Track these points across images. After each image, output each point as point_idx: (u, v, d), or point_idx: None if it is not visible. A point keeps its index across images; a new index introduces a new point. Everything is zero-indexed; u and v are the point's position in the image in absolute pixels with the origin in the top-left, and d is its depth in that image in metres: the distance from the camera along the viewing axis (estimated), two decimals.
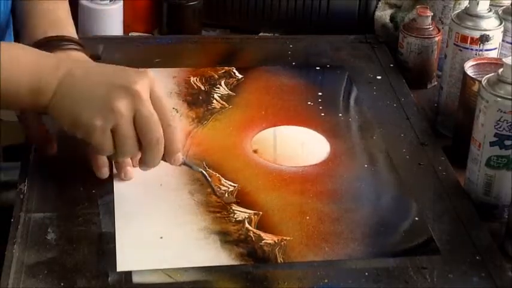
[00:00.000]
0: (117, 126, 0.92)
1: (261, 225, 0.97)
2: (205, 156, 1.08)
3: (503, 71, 0.99)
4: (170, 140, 0.95)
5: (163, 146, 0.94)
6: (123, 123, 0.92)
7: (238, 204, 0.99)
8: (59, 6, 1.13)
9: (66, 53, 1.06)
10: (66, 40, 1.08)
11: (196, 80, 1.25)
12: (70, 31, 1.11)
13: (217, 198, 1.00)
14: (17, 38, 1.16)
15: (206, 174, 1.01)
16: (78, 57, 1.06)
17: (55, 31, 1.08)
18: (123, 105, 0.91)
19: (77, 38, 1.10)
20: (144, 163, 0.96)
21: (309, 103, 1.21)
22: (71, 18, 1.14)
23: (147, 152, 0.94)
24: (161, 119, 0.93)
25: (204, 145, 1.10)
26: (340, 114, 1.20)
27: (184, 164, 0.98)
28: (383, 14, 1.43)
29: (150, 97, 0.93)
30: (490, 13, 1.16)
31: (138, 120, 0.92)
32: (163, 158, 0.96)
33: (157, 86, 0.94)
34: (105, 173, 1.02)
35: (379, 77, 1.29)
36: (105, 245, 0.93)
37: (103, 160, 1.01)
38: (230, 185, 1.03)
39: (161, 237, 0.94)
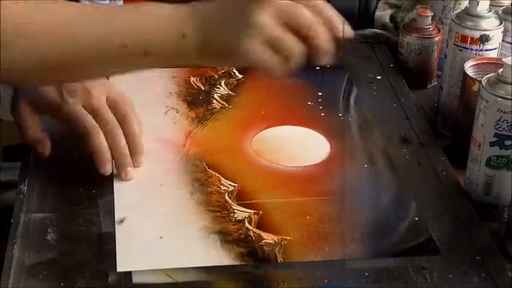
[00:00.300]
0: (273, 37, 0.84)
1: (261, 225, 0.97)
2: (205, 156, 1.08)
3: (503, 71, 0.99)
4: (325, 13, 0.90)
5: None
6: (278, 31, 0.84)
7: None
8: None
9: None
10: None
11: (196, 80, 1.25)
12: None
13: (218, 198, 1.00)
14: None
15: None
16: None
17: None
18: (266, 16, 0.84)
19: None
20: (314, 50, 0.87)
21: (309, 103, 1.21)
22: None
23: (313, 37, 0.87)
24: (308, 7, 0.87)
25: (204, 145, 1.11)
26: (340, 114, 1.20)
27: None
28: (383, 14, 1.43)
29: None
30: (490, 13, 1.16)
31: (285, 16, 0.85)
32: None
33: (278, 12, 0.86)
34: (108, 169, 1.02)
35: (379, 77, 1.29)
36: (105, 245, 0.93)
37: (106, 157, 1.01)
38: (230, 185, 1.03)
39: (161, 237, 0.94)
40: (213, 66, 0.86)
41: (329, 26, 0.88)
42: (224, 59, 0.87)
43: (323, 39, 0.87)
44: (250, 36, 0.84)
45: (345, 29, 0.88)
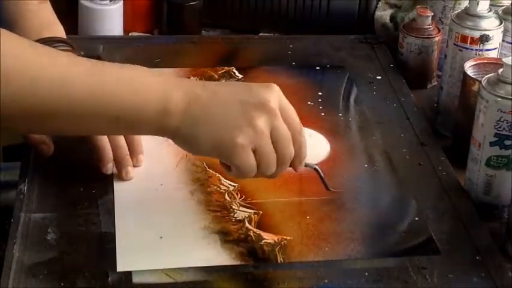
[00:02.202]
0: (260, 144, 0.88)
1: (261, 225, 0.97)
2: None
3: (503, 71, 0.99)
4: (299, 148, 0.92)
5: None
6: (266, 141, 0.88)
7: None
8: (46, 7, 1.14)
9: None
10: (60, 41, 1.09)
11: (196, 80, 1.25)
12: (61, 31, 1.12)
13: (218, 198, 1.00)
14: None
15: (319, 170, 0.99)
16: None
17: (48, 32, 1.09)
18: (262, 123, 0.88)
19: (66, 38, 1.12)
20: (269, 176, 0.93)
21: (309, 103, 1.21)
22: (57, 18, 1.14)
23: (279, 167, 0.91)
24: (290, 129, 0.90)
25: None
26: (340, 114, 1.20)
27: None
28: (383, 14, 1.43)
29: (281, 109, 0.90)
30: (490, 13, 1.16)
31: (275, 137, 0.89)
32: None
33: (283, 96, 0.91)
34: (110, 168, 1.02)
35: (379, 77, 1.29)
36: (105, 245, 0.93)
37: (108, 156, 1.02)
38: (230, 185, 1.03)
39: (161, 237, 0.94)
40: (183, 149, 0.91)
41: (294, 158, 0.92)
42: (211, 147, 0.89)
43: (282, 170, 0.93)
44: (247, 137, 0.87)
45: (302, 164, 0.94)
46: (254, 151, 0.88)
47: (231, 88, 0.91)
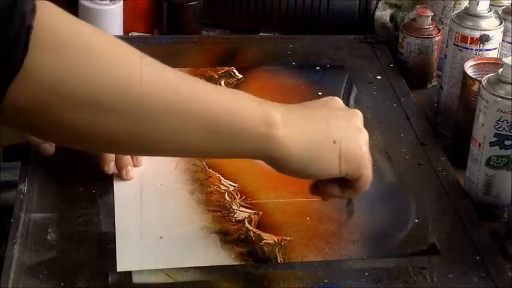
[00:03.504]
0: (369, 148, 0.88)
1: (261, 225, 0.97)
2: None
3: (503, 71, 0.99)
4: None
5: None
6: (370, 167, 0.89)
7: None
8: None
9: None
10: None
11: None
12: None
13: (218, 198, 1.00)
14: None
15: None
16: None
17: None
18: (362, 126, 0.88)
19: None
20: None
21: None
22: None
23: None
24: None
25: None
26: None
27: None
28: (383, 14, 1.43)
29: None
30: (490, 13, 1.16)
31: None
32: None
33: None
34: (111, 167, 1.02)
35: (379, 77, 1.29)
36: (105, 245, 0.93)
37: (110, 155, 1.02)
38: (230, 185, 1.03)
39: (161, 237, 0.94)
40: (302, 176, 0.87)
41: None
42: (329, 169, 0.85)
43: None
44: (363, 142, 0.86)
45: None
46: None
47: (311, 104, 0.89)
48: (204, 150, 0.82)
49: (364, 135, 0.87)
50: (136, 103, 0.74)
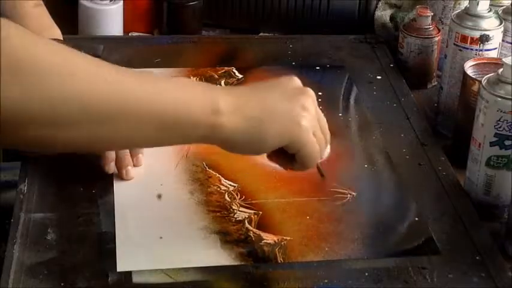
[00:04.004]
0: (316, 126, 0.90)
1: (261, 225, 0.97)
2: (205, 156, 1.08)
3: (503, 71, 0.99)
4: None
5: None
6: (318, 123, 0.90)
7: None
8: (43, 10, 1.15)
9: None
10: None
11: (196, 80, 1.25)
12: (58, 34, 1.13)
13: (218, 198, 1.01)
14: None
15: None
16: None
17: (46, 34, 1.10)
18: (311, 106, 0.89)
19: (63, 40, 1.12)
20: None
21: None
22: (54, 22, 1.15)
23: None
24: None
25: (204, 145, 1.10)
26: (340, 114, 1.20)
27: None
28: (383, 14, 1.43)
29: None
30: (490, 13, 1.16)
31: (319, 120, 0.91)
32: None
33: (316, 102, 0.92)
34: (112, 167, 1.02)
35: (379, 77, 1.29)
36: (105, 245, 0.93)
37: (110, 155, 1.02)
38: (230, 185, 1.03)
39: (161, 237, 0.94)
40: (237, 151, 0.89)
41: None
42: (265, 143, 0.87)
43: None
44: (305, 118, 0.88)
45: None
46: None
47: (264, 84, 0.92)
48: (154, 142, 0.87)
49: (308, 114, 0.88)
50: (92, 111, 0.76)
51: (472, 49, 1.16)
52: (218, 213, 0.98)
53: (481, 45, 1.15)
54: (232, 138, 0.86)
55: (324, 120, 0.92)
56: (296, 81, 0.92)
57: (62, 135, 0.76)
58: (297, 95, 0.89)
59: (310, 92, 0.90)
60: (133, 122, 0.79)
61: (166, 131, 0.82)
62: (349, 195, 1.02)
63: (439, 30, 1.30)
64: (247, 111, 0.86)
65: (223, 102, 0.84)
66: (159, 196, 1.01)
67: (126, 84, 0.80)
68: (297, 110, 0.88)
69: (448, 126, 1.18)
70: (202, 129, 0.84)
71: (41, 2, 1.16)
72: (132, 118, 0.79)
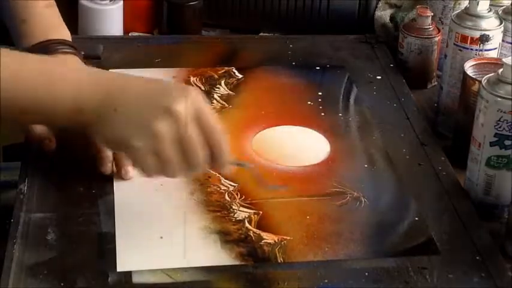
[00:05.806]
0: (158, 150, 0.88)
1: (261, 225, 0.97)
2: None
3: (503, 71, 0.99)
4: (218, 151, 0.91)
5: (204, 166, 0.92)
6: (165, 147, 0.88)
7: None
8: (54, 10, 1.16)
9: (65, 57, 1.08)
10: (66, 44, 1.11)
11: (196, 80, 1.25)
12: (67, 34, 1.14)
13: (218, 198, 1.00)
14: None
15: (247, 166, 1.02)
16: (74, 61, 1.09)
17: (54, 34, 1.11)
18: (164, 128, 0.87)
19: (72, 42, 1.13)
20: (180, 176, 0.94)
21: (309, 103, 1.21)
22: (63, 22, 1.16)
23: (187, 173, 0.92)
24: (206, 133, 0.90)
25: None
26: (340, 114, 1.20)
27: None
28: (383, 14, 1.43)
29: (196, 115, 0.89)
30: (490, 13, 1.16)
31: (181, 143, 0.89)
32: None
33: (202, 102, 0.90)
34: (109, 168, 1.02)
35: (379, 77, 1.29)
36: (105, 245, 0.93)
37: (107, 156, 1.02)
38: (230, 185, 1.03)
39: (161, 237, 0.94)
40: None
41: (214, 163, 0.93)
42: (116, 146, 0.93)
43: (190, 176, 0.97)
44: (145, 141, 0.88)
45: (224, 169, 0.95)
46: (156, 155, 0.89)
47: (145, 87, 0.91)
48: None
49: (154, 137, 0.88)
50: None
51: (472, 49, 1.16)
52: (218, 213, 0.98)
53: (481, 45, 1.16)
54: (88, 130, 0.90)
55: (196, 143, 0.89)
56: (177, 98, 0.88)
57: None
58: (159, 114, 0.87)
59: (178, 114, 0.87)
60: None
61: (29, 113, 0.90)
62: (349, 195, 1.02)
63: (439, 30, 1.30)
64: (100, 108, 0.89)
65: (87, 100, 0.89)
66: (159, 196, 1.01)
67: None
68: (140, 127, 0.88)
69: (448, 126, 1.18)
70: (63, 124, 0.92)
71: (53, 3, 1.16)
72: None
